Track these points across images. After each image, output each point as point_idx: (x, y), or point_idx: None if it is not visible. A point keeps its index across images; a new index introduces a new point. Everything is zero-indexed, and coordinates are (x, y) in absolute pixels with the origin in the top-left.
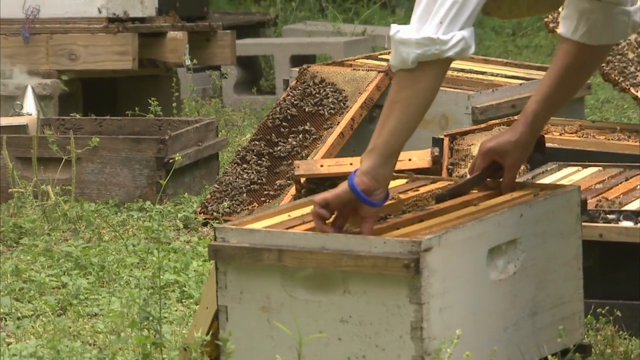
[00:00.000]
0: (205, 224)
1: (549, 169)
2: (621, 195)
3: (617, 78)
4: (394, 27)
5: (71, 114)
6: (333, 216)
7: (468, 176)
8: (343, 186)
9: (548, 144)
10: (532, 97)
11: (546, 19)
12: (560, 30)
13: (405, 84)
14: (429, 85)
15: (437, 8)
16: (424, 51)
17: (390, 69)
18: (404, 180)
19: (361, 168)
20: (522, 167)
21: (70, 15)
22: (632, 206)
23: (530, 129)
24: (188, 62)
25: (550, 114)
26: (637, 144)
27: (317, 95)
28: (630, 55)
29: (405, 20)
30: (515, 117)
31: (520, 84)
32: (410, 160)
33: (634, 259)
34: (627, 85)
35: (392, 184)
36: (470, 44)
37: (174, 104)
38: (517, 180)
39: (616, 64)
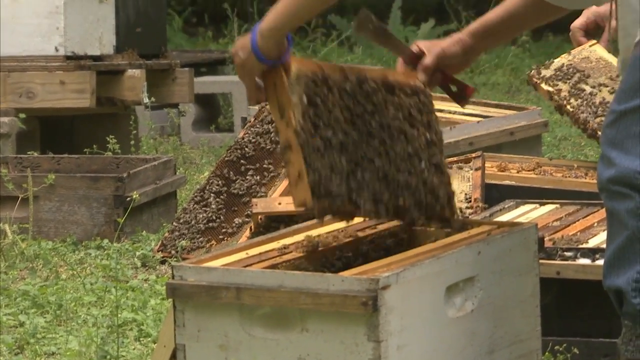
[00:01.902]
0: (163, 262)
1: (506, 206)
2: (578, 233)
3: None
4: None
5: (29, 152)
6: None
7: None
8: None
9: (506, 182)
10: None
11: (530, 73)
12: None
13: None
14: None
15: None
16: None
17: None
18: (361, 218)
19: (261, 25)
20: (480, 205)
21: (27, 54)
22: (589, 244)
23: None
24: (146, 100)
25: (485, 46)
26: (594, 181)
27: (275, 132)
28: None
29: (363, 58)
30: (473, 155)
31: (478, 122)
32: None
33: (591, 297)
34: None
35: (350, 222)
36: None
37: (132, 142)
38: (474, 218)
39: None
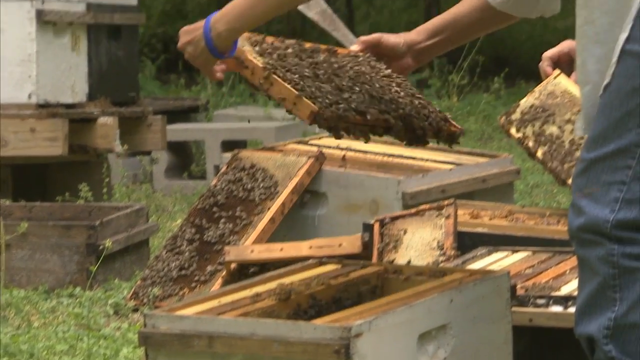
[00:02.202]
0: (135, 311)
1: (478, 254)
2: (551, 280)
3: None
4: None
5: (1, 200)
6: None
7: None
8: (201, 22)
9: (478, 229)
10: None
11: (500, 120)
12: None
13: None
14: None
15: None
16: None
17: (321, 155)
18: (334, 266)
19: (218, 27)
20: (453, 252)
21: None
22: (561, 291)
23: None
24: (119, 148)
25: (435, 49)
26: (567, 228)
27: (247, 180)
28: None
29: None
30: (445, 203)
31: (450, 169)
32: (340, 245)
33: (563, 344)
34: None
35: (322, 269)
36: None
37: (105, 190)
38: (447, 265)
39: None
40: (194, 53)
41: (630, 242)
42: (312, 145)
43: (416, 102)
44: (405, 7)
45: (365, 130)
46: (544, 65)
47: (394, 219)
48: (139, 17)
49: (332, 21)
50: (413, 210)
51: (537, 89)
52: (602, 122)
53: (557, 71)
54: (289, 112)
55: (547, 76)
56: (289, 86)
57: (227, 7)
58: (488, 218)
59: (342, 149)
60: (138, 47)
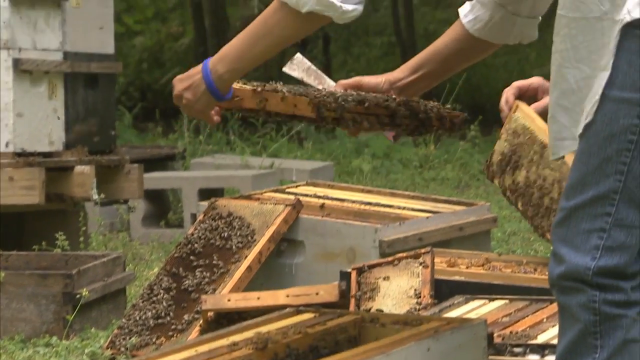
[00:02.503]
0: None
1: (455, 302)
2: (528, 329)
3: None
4: None
5: None
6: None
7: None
8: (197, 68)
9: (455, 277)
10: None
11: (486, 172)
12: (461, 11)
13: (289, 24)
14: (307, 32)
15: None
16: (321, 10)
17: (298, 203)
18: (311, 315)
19: (218, 69)
20: (430, 301)
21: None
22: (538, 339)
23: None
24: (95, 196)
25: (421, 83)
26: (544, 277)
27: (224, 229)
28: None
29: (313, 153)
30: (422, 251)
31: (427, 217)
32: (317, 294)
33: None
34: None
35: (299, 318)
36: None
37: (81, 239)
38: (424, 314)
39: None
40: (193, 98)
41: (612, 289)
42: (289, 193)
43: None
44: (381, 56)
45: (372, 120)
46: (509, 92)
47: (371, 267)
48: (116, 65)
49: (317, 76)
50: (390, 259)
51: (503, 129)
52: (580, 169)
53: (516, 103)
54: (292, 118)
55: (506, 102)
56: (282, 94)
57: (225, 50)
58: (465, 266)
59: (319, 197)
60: (115, 96)
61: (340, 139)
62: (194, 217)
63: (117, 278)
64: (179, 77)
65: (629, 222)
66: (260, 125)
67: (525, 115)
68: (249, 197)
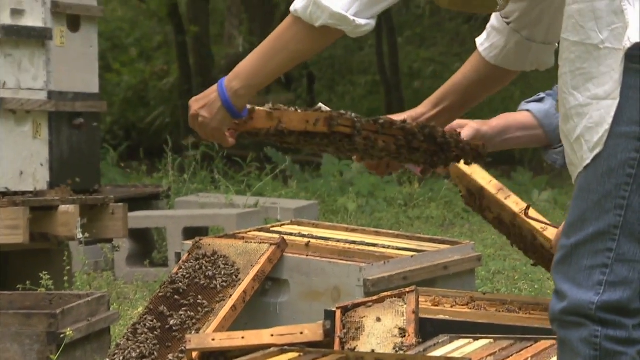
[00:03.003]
0: None
1: (440, 341)
2: None
3: None
4: None
5: None
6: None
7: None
8: (212, 87)
9: (440, 316)
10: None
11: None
12: (478, 40)
13: (304, 38)
14: (322, 46)
15: None
16: (334, 23)
17: (283, 242)
18: (296, 354)
19: (234, 85)
20: (415, 340)
21: None
22: None
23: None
24: (80, 236)
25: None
26: (528, 316)
27: (209, 268)
28: None
29: (298, 191)
30: (407, 290)
31: (412, 256)
32: (302, 333)
33: None
34: None
35: (284, 357)
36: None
37: (66, 278)
38: (409, 353)
39: None
40: (209, 116)
41: (614, 326)
42: (273, 232)
43: (432, 131)
44: (366, 94)
45: (387, 140)
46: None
47: (356, 306)
48: (100, 104)
49: None
50: (375, 298)
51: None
52: (580, 206)
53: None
54: (305, 138)
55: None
56: (296, 110)
57: (240, 67)
58: (449, 305)
59: (303, 236)
60: (100, 135)
61: (325, 178)
62: (178, 256)
63: (101, 317)
64: (194, 98)
65: (630, 257)
66: (245, 163)
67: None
68: (233, 236)
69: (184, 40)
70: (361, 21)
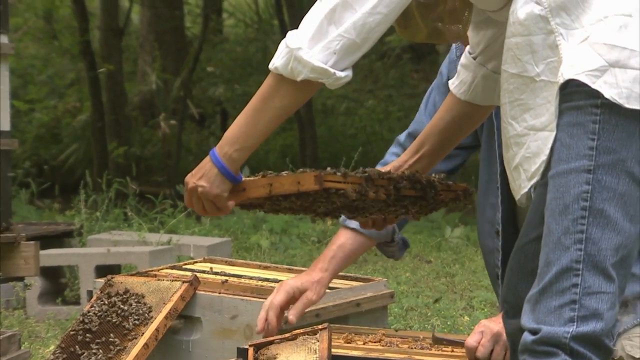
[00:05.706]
0: None
1: None
2: None
3: None
4: (293, 38)
5: None
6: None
7: None
8: (205, 159)
9: (352, 353)
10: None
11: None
12: (450, 82)
13: (287, 94)
14: (305, 98)
15: (333, 37)
16: (316, 77)
17: (195, 279)
18: None
19: (227, 150)
20: None
21: None
22: None
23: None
24: None
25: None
26: (440, 352)
27: (121, 306)
28: None
29: (211, 228)
30: (320, 327)
31: (324, 293)
32: None
33: None
34: None
35: None
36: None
37: None
38: None
39: None
40: (208, 184)
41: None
42: (186, 269)
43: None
44: (279, 131)
45: (378, 192)
46: (271, 314)
47: (269, 343)
48: (11, 142)
49: None
50: (287, 335)
51: None
52: (543, 250)
53: None
54: (298, 195)
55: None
56: (286, 173)
57: (229, 132)
58: (362, 342)
59: (216, 273)
60: (10, 172)
61: (237, 215)
62: (90, 294)
63: (12, 356)
64: (189, 175)
65: (596, 289)
66: (157, 201)
67: None
68: (146, 274)
69: (97, 77)
70: (341, 74)
